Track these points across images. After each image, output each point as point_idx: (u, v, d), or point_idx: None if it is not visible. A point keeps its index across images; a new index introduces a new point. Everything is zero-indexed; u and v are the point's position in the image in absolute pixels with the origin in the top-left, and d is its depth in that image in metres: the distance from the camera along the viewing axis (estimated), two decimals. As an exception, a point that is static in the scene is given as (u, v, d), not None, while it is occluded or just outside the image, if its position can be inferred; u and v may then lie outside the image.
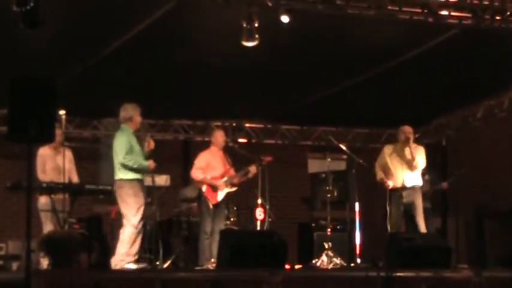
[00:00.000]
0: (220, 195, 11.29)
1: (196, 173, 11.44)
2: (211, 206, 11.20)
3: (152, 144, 10.29)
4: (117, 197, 10.07)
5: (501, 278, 8.77)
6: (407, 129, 11.52)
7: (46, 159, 10.77)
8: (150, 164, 10.13)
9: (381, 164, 11.68)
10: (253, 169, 11.50)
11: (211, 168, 11.40)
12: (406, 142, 11.40)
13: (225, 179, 11.36)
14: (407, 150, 11.40)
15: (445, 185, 13.38)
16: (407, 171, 11.39)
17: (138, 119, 10.28)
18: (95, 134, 14.69)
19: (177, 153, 15.55)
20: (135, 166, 9.97)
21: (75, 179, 10.99)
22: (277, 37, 10.34)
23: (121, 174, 9.99)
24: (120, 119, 10.34)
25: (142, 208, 9.98)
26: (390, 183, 11.35)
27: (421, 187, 11.59)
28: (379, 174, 11.63)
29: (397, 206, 11.29)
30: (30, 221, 7.22)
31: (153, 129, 14.59)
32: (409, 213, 11.36)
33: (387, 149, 11.71)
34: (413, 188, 11.40)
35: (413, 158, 11.34)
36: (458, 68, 12.11)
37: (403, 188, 11.34)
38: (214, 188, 11.27)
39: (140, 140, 10.30)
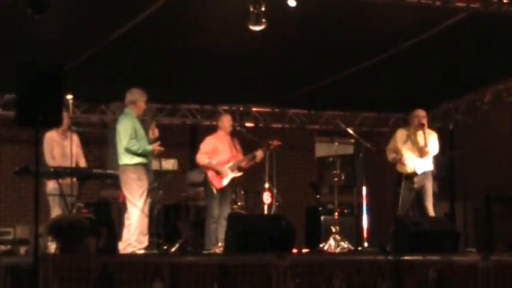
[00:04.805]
0: (225, 181, 11.24)
1: (201, 158, 11.34)
2: (215, 191, 11.18)
3: (156, 132, 10.23)
4: (121, 182, 10.05)
5: (509, 262, 8.76)
6: (421, 113, 11.30)
7: (53, 144, 10.78)
8: (155, 147, 10.08)
9: (392, 148, 11.46)
10: (260, 154, 11.41)
11: (217, 153, 11.32)
12: (420, 127, 11.19)
13: (230, 164, 11.28)
14: (420, 136, 11.22)
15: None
16: (418, 157, 11.22)
17: (142, 105, 10.22)
18: (103, 119, 14.67)
19: (184, 137, 15.54)
20: (139, 151, 9.92)
21: (82, 163, 11.01)
22: (284, 21, 10.30)
23: (125, 159, 9.96)
24: (125, 101, 10.33)
25: (146, 192, 9.97)
26: (404, 159, 11.14)
27: (432, 171, 11.43)
28: (391, 155, 11.40)
29: (408, 191, 11.18)
30: (39, 205, 7.23)
31: (161, 113, 14.59)
32: (418, 197, 11.25)
33: (400, 133, 11.45)
34: (424, 173, 11.25)
35: (425, 144, 11.18)
36: (466, 52, 12.05)
37: (415, 174, 11.18)
38: (219, 173, 11.24)
39: (145, 126, 10.28)
